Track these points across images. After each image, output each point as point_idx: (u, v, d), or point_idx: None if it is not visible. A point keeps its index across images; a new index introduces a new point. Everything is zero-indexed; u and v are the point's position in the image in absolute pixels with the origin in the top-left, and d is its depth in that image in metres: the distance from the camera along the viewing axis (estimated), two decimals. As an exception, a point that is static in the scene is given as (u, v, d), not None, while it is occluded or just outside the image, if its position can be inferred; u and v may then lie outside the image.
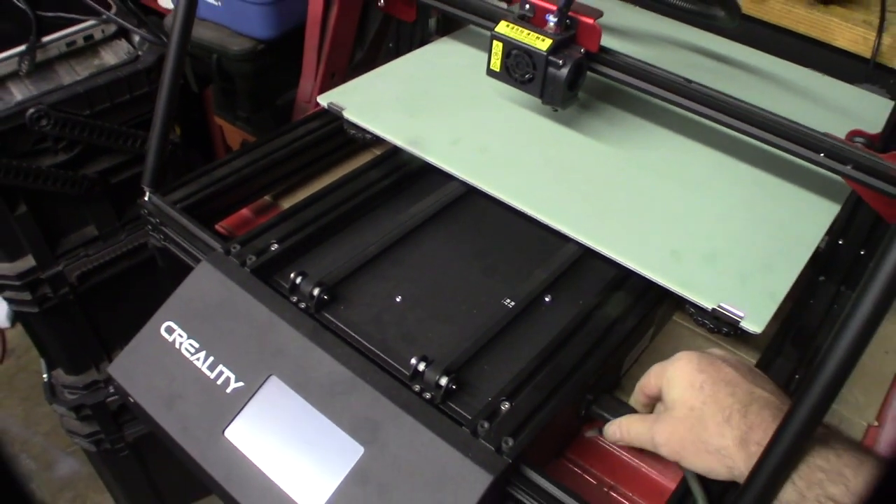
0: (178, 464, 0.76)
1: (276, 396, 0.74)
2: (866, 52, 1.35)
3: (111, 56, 1.31)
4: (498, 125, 1.00)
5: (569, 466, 0.80)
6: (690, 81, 0.90)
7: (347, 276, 0.84)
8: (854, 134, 0.87)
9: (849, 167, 0.82)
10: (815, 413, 0.58)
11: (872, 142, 0.85)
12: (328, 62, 1.63)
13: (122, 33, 1.34)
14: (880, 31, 1.34)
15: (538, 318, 0.82)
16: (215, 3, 1.72)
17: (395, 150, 1.00)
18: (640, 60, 0.93)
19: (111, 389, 1.54)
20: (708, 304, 0.77)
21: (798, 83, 1.13)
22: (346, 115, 0.99)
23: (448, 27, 1.22)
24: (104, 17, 1.29)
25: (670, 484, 0.77)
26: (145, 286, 1.34)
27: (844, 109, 0.95)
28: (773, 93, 1.08)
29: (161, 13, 1.86)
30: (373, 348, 0.78)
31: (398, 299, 0.83)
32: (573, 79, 0.91)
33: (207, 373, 0.77)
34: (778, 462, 0.59)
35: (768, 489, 0.60)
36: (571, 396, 0.74)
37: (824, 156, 0.83)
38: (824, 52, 1.40)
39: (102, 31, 1.31)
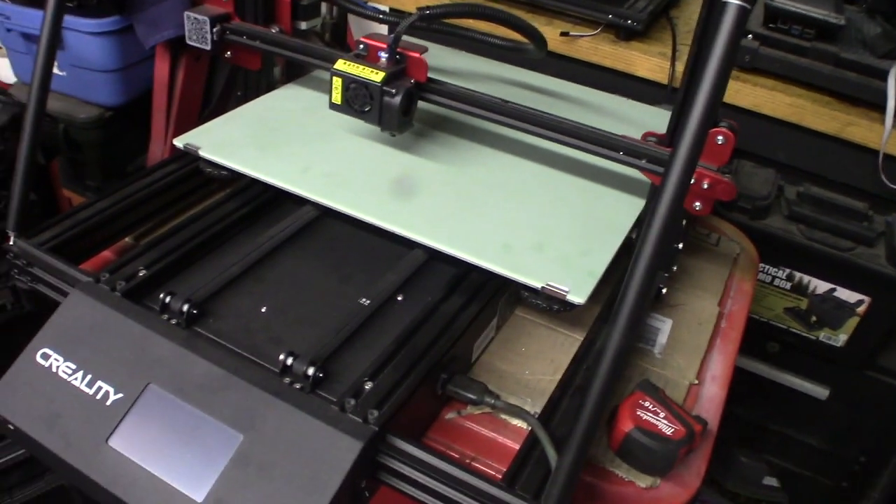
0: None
1: (155, 402, 0.79)
2: (663, 78, 1.54)
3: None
4: (343, 154, 1.10)
5: (433, 445, 0.88)
6: (507, 101, 1.04)
7: (214, 293, 0.91)
8: (648, 135, 1.02)
9: (643, 161, 0.97)
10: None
11: (662, 140, 1.00)
12: (178, 123, 1.69)
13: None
14: (673, 60, 1.54)
15: (392, 314, 0.91)
16: (60, 73, 1.76)
17: (251, 183, 1.08)
18: (463, 87, 1.06)
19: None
20: (537, 284, 0.89)
21: (604, 105, 1.29)
22: (202, 153, 1.06)
23: (292, 74, 1.32)
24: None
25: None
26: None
27: (643, 123, 1.10)
28: (579, 112, 1.23)
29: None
30: (243, 352, 0.84)
31: (263, 310, 0.91)
32: (406, 105, 1.03)
33: (86, 390, 0.81)
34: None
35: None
36: (426, 374, 0.83)
37: (623, 153, 0.98)
38: (629, 82, 1.59)
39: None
